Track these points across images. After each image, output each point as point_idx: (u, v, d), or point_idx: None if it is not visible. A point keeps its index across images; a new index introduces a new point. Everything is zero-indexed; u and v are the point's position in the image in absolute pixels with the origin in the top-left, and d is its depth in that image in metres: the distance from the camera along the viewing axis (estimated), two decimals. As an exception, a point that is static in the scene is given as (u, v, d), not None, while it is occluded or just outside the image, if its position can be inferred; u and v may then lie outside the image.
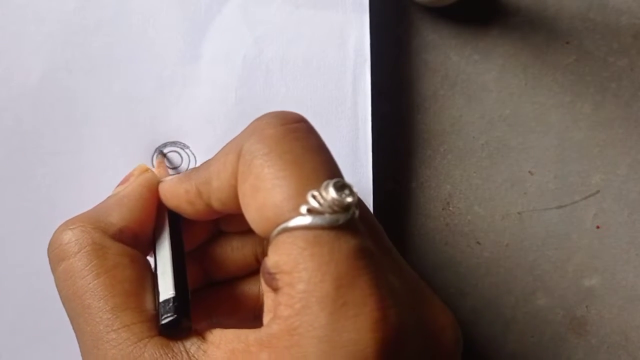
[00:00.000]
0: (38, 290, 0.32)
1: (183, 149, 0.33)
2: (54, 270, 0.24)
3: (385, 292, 0.20)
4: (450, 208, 0.35)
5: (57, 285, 0.24)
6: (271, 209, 0.21)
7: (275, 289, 0.21)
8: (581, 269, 0.35)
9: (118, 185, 0.28)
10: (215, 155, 0.24)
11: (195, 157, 0.33)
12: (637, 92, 0.36)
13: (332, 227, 0.20)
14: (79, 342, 0.23)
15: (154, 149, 0.33)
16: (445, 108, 0.35)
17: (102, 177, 0.32)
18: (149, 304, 0.23)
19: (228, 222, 0.27)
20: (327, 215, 0.20)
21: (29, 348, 0.32)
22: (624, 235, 0.35)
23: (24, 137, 0.32)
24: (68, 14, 0.33)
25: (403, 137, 0.35)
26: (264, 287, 0.22)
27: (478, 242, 0.35)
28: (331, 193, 0.20)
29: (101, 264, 0.23)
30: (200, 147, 0.33)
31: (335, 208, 0.20)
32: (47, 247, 0.31)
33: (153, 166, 0.32)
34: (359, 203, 0.22)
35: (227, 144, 0.24)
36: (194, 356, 0.21)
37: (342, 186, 0.21)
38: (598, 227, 0.35)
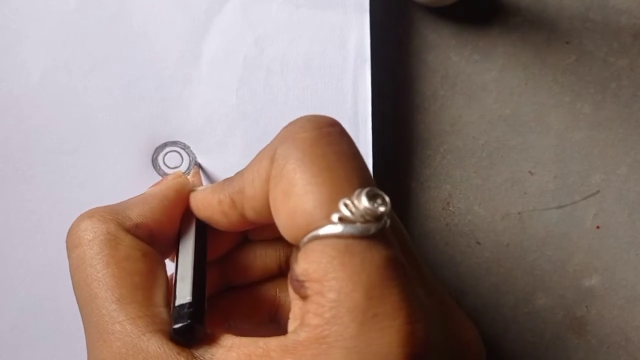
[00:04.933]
0: (38, 290, 0.32)
1: (183, 149, 0.33)
2: (68, 256, 0.24)
3: (415, 305, 0.20)
4: (450, 208, 0.35)
5: (70, 272, 0.24)
6: (302, 216, 0.21)
7: (303, 297, 0.21)
8: (581, 269, 0.35)
9: (151, 186, 0.28)
10: (249, 163, 0.24)
11: (195, 157, 0.33)
12: (637, 92, 0.36)
13: (364, 237, 0.20)
14: (85, 333, 0.23)
15: (154, 149, 0.33)
16: (445, 108, 0.35)
17: (102, 177, 0.32)
18: (157, 300, 0.23)
19: (256, 230, 0.27)
20: (358, 225, 0.20)
21: (29, 348, 0.31)
22: (624, 235, 0.35)
23: (24, 137, 0.32)
24: (68, 14, 0.33)
25: (403, 137, 0.35)
26: (291, 294, 0.22)
27: (478, 242, 0.35)
28: (363, 202, 0.20)
29: (112, 254, 0.23)
30: (201, 147, 0.33)
31: (367, 217, 0.20)
32: (47, 246, 0.32)
33: (153, 167, 0.32)
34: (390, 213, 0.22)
35: (260, 151, 0.24)
36: (200, 357, 0.21)
37: (374, 195, 0.20)
38: (598, 227, 0.35)
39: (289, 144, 0.22)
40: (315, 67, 0.33)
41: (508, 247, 0.35)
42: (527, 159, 0.35)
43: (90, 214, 0.24)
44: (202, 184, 0.30)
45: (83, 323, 0.23)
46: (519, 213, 0.35)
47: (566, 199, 0.35)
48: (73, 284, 0.24)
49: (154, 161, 0.33)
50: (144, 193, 0.27)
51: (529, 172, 0.35)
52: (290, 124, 0.23)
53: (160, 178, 0.32)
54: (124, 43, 0.33)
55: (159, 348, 0.21)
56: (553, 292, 0.35)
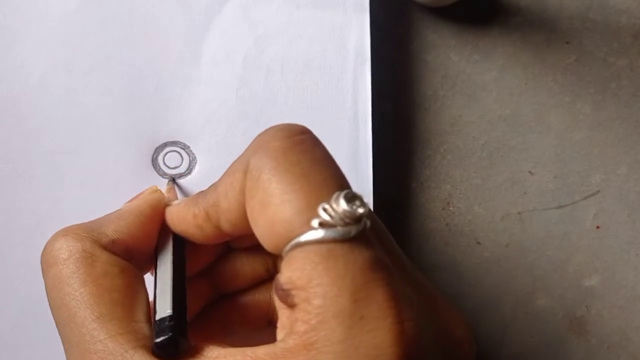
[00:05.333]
0: (38, 290, 0.32)
1: (183, 149, 0.33)
2: (44, 276, 0.24)
3: (403, 304, 0.20)
4: (450, 208, 0.35)
5: (46, 293, 0.23)
6: (281, 225, 0.21)
7: (290, 305, 0.21)
8: (581, 269, 0.35)
9: (127, 202, 0.28)
10: (222, 176, 0.24)
11: (195, 157, 0.33)
12: (637, 92, 0.36)
13: (345, 240, 0.20)
14: (66, 354, 0.22)
15: (154, 149, 0.33)
16: (445, 108, 0.35)
17: (102, 177, 0.32)
18: (138, 316, 0.23)
19: (238, 239, 0.27)
20: (339, 228, 0.20)
21: (29, 348, 0.31)
22: (624, 235, 0.35)
23: (24, 137, 0.32)
24: (68, 14, 0.33)
25: (403, 137, 0.35)
26: (277, 303, 0.22)
27: (478, 242, 0.35)
28: (342, 205, 0.20)
29: (89, 272, 0.23)
30: (200, 147, 0.33)
31: (347, 220, 0.20)
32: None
33: (153, 167, 0.32)
34: (369, 214, 0.22)
35: (232, 163, 0.24)
36: None
37: (352, 197, 0.20)
38: (598, 227, 0.35)
39: (261, 154, 0.22)
40: (315, 67, 0.33)
41: (508, 247, 0.35)
42: (527, 159, 0.35)
43: (65, 232, 0.24)
44: (177, 199, 0.30)
45: (63, 344, 0.23)
46: (519, 213, 0.35)
47: (566, 199, 0.35)
48: (50, 305, 0.23)
49: (154, 161, 0.33)
50: (120, 209, 0.26)
51: (529, 172, 0.35)
52: (261, 134, 0.23)
53: (160, 178, 0.32)
54: (124, 43, 0.33)
55: None
56: (553, 292, 0.35)
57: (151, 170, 0.32)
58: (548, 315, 0.35)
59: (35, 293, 0.32)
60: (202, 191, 0.25)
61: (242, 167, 0.22)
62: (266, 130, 0.23)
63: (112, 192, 0.32)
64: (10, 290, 0.32)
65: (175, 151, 0.33)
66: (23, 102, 0.32)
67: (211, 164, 0.33)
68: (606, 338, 0.35)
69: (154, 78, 0.33)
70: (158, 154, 0.33)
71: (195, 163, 0.33)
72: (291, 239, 0.21)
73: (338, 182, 0.21)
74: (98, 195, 0.32)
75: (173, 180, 0.32)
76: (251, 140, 0.24)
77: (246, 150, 0.23)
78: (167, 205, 0.27)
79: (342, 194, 0.20)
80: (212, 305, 0.27)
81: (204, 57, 0.33)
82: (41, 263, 0.24)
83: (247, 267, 0.27)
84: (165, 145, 0.33)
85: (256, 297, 0.27)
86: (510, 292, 0.35)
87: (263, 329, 0.27)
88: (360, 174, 0.33)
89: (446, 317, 0.23)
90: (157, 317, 0.23)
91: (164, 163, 0.33)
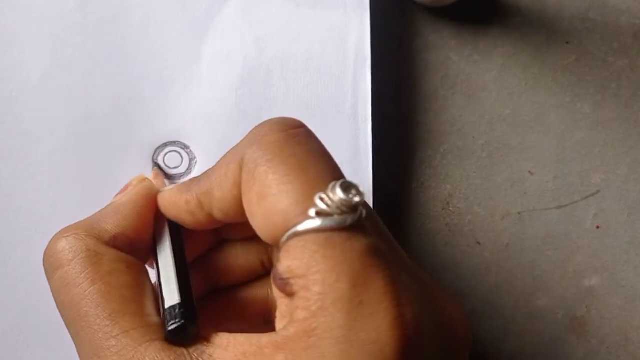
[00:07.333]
0: (38, 290, 0.32)
1: (183, 149, 0.33)
2: (49, 279, 0.24)
3: (401, 289, 0.20)
4: (450, 208, 0.35)
5: (53, 295, 0.23)
6: (279, 215, 0.21)
7: (289, 294, 0.21)
8: (581, 269, 0.35)
9: (116, 195, 0.28)
10: (216, 165, 0.24)
11: (195, 157, 0.33)
12: (637, 92, 0.36)
13: (342, 228, 0.21)
14: (78, 352, 0.23)
15: (153, 149, 0.33)
16: (445, 108, 0.35)
17: (101, 177, 0.32)
18: (148, 309, 0.23)
19: (230, 230, 0.27)
20: (336, 217, 0.20)
21: (29, 348, 0.31)
22: (624, 235, 0.35)
23: (24, 137, 0.32)
24: (68, 14, 0.33)
25: (403, 137, 0.35)
26: (276, 293, 0.22)
27: (478, 242, 0.35)
28: (338, 194, 0.20)
29: (96, 271, 0.23)
30: (200, 147, 0.33)
31: (344, 209, 0.21)
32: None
33: (153, 168, 0.32)
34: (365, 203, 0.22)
35: (227, 154, 0.24)
36: (199, 358, 0.21)
37: (348, 187, 0.21)
38: (598, 227, 0.35)
39: (257, 147, 0.22)
40: (315, 66, 0.33)
41: (508, 247, 0.35)
42: (527, 159, 0.35)
43: (65, 233, 0.24)
44: (164, 185, 0.30)
45: (75, 343, 0.23)
46: (519, 213, 0.35)
47: (566, 199, 0.35)
48: (58, 306, 0.23)
49: (154, 161, 0.33)
50: (112, 203, 0.26)
51: (529, 172, 0.35)
52: (256, 127, 0.23)
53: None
54: (124, 43, 0.33)
55: (157, 357, 0.21)
56: (553, 292, 0.35)
57: (151, 170, 0.32)
58: (548, 315, 0.35)
59: (35, 293, 0.32)
60: (195, 178, 0.25)
61: (236, 159, 0.23)
62: (261, 124, 0.23)
63: (112, 193, 0.32)
64: (10, 290, 0.32)
65: (175, 151, 0.33)
66: (23, 102, 0.32)
67: (211, 164, 0.33)
68: (606, 338, 0.35)
69: (154, 78, 0.33)
70: (158, 154, 0.33)
71: (195, 163, 0.33)
72: (289, 229, 0.21)
73: (333, 173, 0.22)
74: (98, 196, 0.32)
75: (157, 166, 0.32)
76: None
77: (240, 142, 0.23)
78: (158, 192, 0.27)
79: (338, 183, 0.21)
80: (206, 300, 0.27)
81: (204, 57, 0.33)
82: (44, 267, 0.24)
83: (241, 260, 0.27)
84: (165, 145, 0.33)
85: (252, 292, 0.27)
86: (510, 292, 0.35)
87: (259, 326, 0.27)
88: (360, 174, 0.33)
89: (442, 304, 0.24)
90: (167, 306, 0.23)
91: (164, 163, 0.33)
